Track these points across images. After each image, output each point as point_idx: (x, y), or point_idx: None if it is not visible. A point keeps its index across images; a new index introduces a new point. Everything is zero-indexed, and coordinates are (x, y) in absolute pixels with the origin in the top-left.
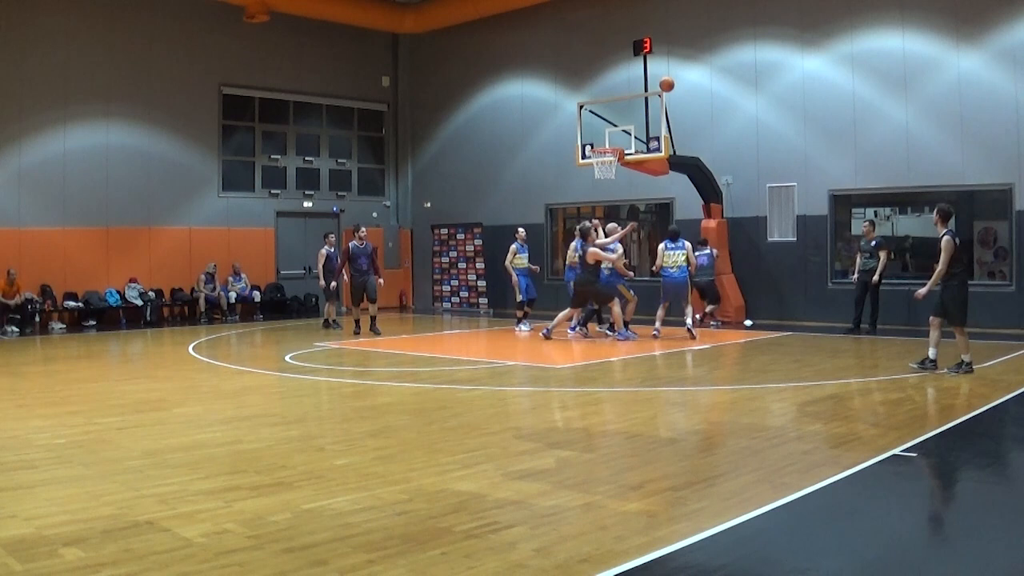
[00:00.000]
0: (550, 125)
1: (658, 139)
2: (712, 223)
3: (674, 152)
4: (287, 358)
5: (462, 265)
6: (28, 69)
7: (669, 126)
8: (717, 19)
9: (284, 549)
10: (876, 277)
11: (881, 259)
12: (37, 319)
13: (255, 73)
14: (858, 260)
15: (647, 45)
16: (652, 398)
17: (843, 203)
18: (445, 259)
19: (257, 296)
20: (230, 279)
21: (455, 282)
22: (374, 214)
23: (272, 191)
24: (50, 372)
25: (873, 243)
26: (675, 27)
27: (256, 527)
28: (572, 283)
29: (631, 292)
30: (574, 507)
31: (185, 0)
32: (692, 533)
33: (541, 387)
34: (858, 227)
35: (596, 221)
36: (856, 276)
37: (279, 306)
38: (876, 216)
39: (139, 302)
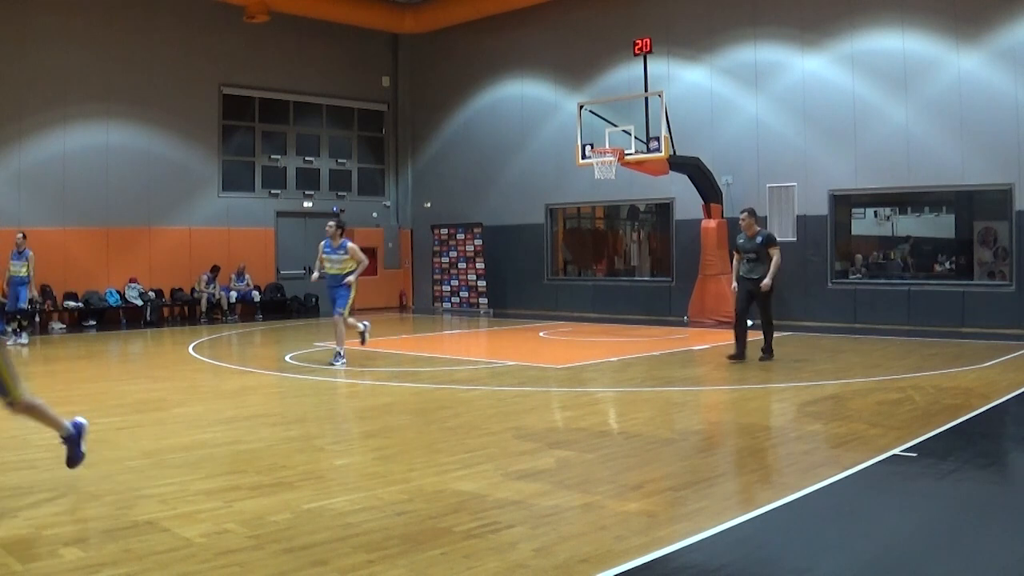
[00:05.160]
0: (550, 125)
1: (658, 139)
2: (712, 223)
3: (674, 152)
4: (287, 358)
5: (462, 265)
6: (28, 69)
7: (669, 126)
8: (717, 19)
9: (284, 549)
10: (768, 281)
11: (774, 259)
12: (37, 319)
13: (255, 73)
14: (735, 264)
15: (647, 45)
16: (652, 398)
17: (843, 203)
18: (445, 259)
19: (257, 296)
20: (232, 278)
21: (455, 282)
22: (374, 214)
23: (272, 191)
24: (50, 372)
25: (758, 239)
26: (675, 27)
27: (256, 527)
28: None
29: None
30: (574, 507)
31: (185, 0)
32: (692, 533)
33: (541, 387)
34: (859, 227)
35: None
36: (735, 286)
37: (279, 306)
38: (876, 216)
39: (139, 302)
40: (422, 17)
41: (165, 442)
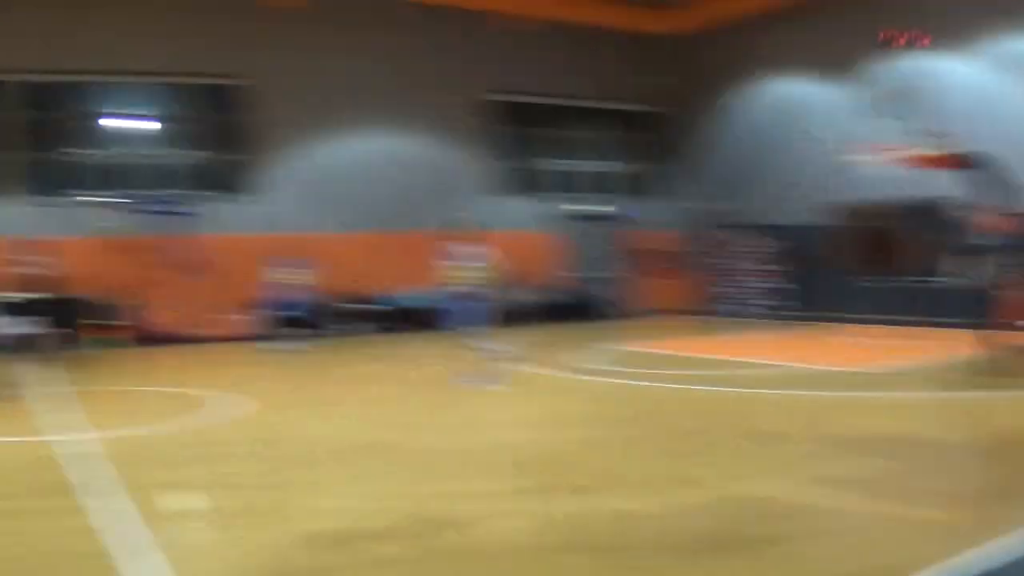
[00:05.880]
0: (825, 122)
1: (944, 134)
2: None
3: (963, 149)
4: (582, 363)
5: (751, 266)
6: (324, 80)
7: (952, 121)
8: (1000, 6)
9: (589, 549)
10: None
11: None
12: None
13: (522, 78)
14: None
15: (922, 39)
16: (972, 406)
17: None
18: (733, 262)
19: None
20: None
21: (748, 285)
22: (658, 216)
23: (559, 194)
24: (353, 376)
25: None
26: (949, 17)
27: (562, 530)
28: None
29: None
30: (881, 516)
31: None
32: (1000, 548)
33: (850, 391)
34: None
35: None
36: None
37: (569, 310)
38: None
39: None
40: (685, 17)
41: (467, 441)
